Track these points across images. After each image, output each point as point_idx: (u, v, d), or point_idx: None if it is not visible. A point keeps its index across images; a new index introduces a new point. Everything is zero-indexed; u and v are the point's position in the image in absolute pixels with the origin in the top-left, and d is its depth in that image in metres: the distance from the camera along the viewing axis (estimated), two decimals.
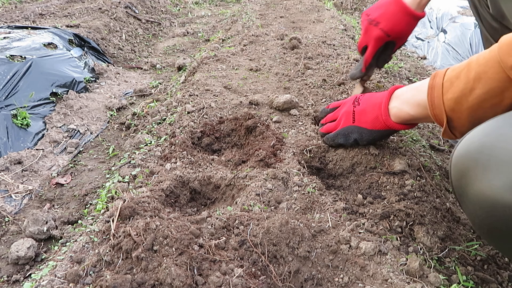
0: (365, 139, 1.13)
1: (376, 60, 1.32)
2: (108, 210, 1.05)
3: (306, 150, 1.25)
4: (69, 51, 2.24)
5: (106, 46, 2.73)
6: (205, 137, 1.42)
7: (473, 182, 0.63)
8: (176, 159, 1.26)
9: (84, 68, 2.21)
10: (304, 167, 1.18)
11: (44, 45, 2.10)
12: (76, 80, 2.03)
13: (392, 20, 1.18)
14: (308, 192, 1.06)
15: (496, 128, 0.65)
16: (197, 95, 1.69)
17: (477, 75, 0.75)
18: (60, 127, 1.72)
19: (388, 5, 1.20)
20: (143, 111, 1.83)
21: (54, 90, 1.86)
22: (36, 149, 1.55)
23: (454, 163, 0.69)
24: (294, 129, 1.43)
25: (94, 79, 2.22)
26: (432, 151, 1.43)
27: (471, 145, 0.66)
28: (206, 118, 1.51)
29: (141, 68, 2.60)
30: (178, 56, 2.88)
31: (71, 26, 2.76)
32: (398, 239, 0.92)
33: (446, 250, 0.91)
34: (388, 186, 1.07)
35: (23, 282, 0.97)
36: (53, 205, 1.30)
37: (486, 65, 0.73)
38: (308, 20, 3.21)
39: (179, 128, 1.45)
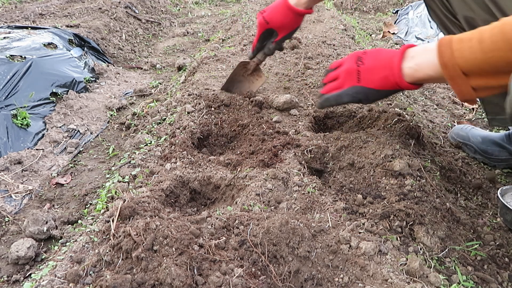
0: (371, 99, 1.12)
1: (263, 45, 1.55)
2: (108, 210, 1.05)
3: (307, 150, 1.25)
4: (69, 51, 2.24)
5: (106, 46, 2.73)
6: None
7: None
8: (176, 159, 1.26)
9: (84, 68, 2.21)
10: (304, 167, 1.18)
11: (44, 45, 2.10)
12: (76, 80, 2.03)
13: (273, 11, 1.45)
14: (308, 192, 1.06)
15: None
16: (197, 95, 1.69)
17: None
18: (60, 127, 1.72)
19: (277, 1, 1.47)
20: (143, 111, 1.83)
21: (54, 90, 1.86)
22: (36, 149, 1.55)
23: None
24: (294, 129, 1.43)
25: (94, 79, 2.22)
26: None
27: None
28: (206, 118, 1.51)
29: (141, 68, 2.60)
30: (178, 56, 2.88)
31: (71, 26, 2.76)
32: (398, 239, 0.92)
33: (446, 250, 0.91)
34: (388, 186, 1.07)
35: (23, 282, 0.97)
36: (53, 205, 1.30)
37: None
38: (308, 20, 3.21)
39: (179, 128, 1.45)
